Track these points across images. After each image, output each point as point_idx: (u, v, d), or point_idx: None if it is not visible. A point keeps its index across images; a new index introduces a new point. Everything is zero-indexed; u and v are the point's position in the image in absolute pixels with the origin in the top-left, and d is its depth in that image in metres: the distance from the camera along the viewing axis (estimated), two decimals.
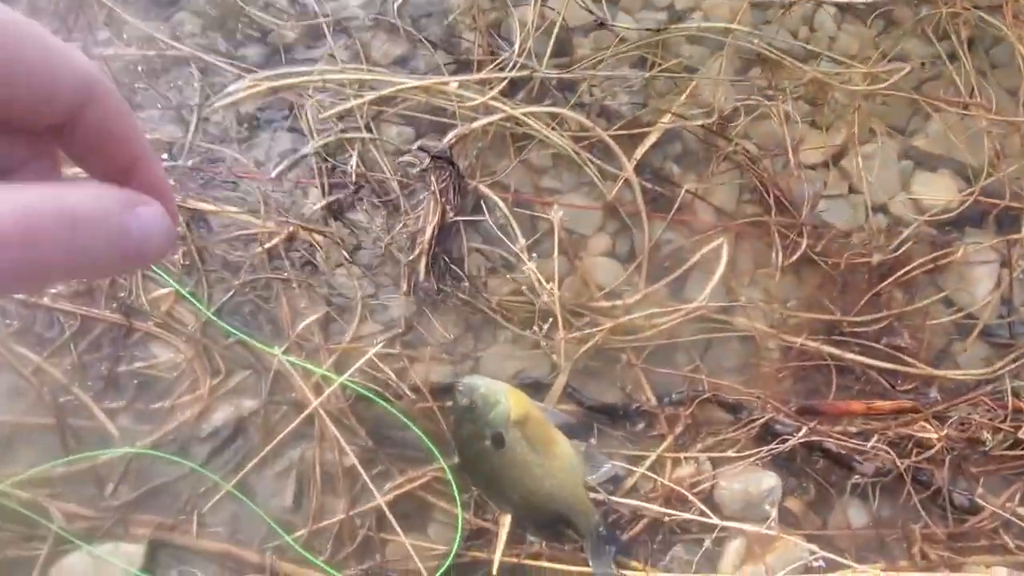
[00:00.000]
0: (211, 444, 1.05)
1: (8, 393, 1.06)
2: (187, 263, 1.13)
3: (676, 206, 1.26)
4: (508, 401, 1.01)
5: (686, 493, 1.07)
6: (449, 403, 1.08)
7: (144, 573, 0.97)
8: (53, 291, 1.10)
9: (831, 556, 1.01)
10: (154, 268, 1.12)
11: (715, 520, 1.00)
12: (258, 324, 1.13)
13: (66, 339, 1.08)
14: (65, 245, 0.19)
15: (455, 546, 1.02)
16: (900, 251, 1.27)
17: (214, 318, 1.10)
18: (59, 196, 0.19)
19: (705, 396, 1.13)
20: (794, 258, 1.25)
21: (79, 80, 0.22)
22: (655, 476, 1.10)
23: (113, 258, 0.20)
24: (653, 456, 1.11)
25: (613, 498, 1.06)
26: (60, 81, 0.21)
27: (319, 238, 1.17)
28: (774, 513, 0.95)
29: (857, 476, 1.13)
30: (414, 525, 1.05)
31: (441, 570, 1.00)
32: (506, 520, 1.04)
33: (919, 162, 1.37)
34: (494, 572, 1.00)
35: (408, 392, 1.08)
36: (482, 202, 1.23)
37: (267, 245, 1.15)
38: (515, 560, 1.02)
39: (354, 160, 1.22)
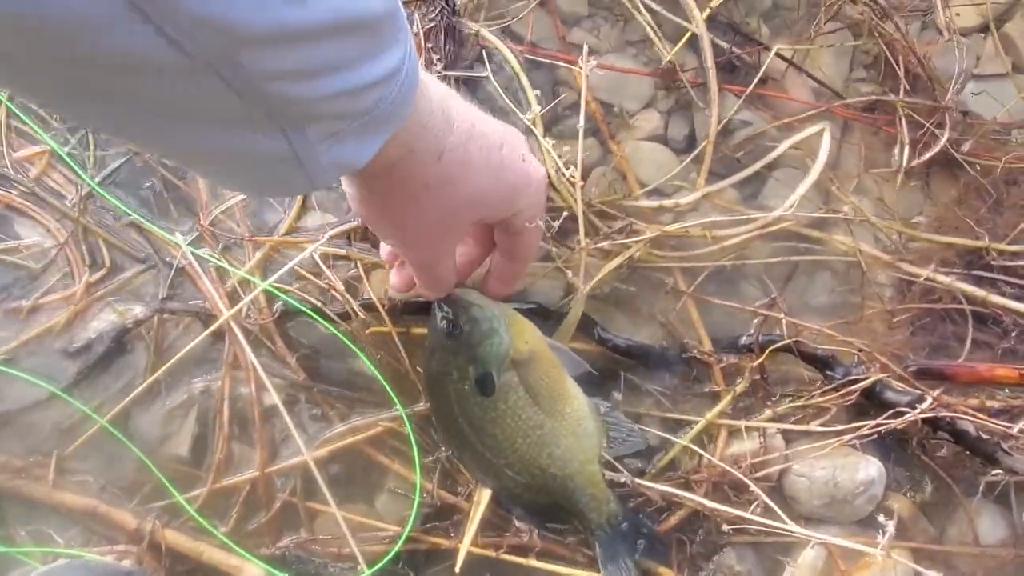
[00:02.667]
0: (83, 361, 0.76)
1: None
2: None
3: (760, 74, 0.88)
4: (507, 332, 0.68)
5: (744, 479, 0.73)
6: (417, 329, 0.76)
7: None
8: None
9: None
10: (22, 116, 0.81)
11: (792, 528, 0.67)
12: (163, 204, 0.82)
13: None
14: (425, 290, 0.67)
15: (409, 526, 0.72)
16: None
17: (99, 189, 0.79)
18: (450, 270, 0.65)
19: (783, 343, 0.78)
20: (926, 157, 0.87)
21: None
22: (701, 451, 0.77)
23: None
24: (702, 423, 0.78)
25: (639, 481, 0.74)
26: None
27: None
28: (890, 527, 0.61)
29: (997, 472, 0.78)
30: (356, 493, 0.75)
31: (386, 559, 0.70)
32: (483, 497, 0.73)
33: None
34: (457, 567, 0.69)
35: (358, 311, 0.76)
36: (484, 54, 0.88)
37: None
38: (492, 554, 0.72)
39: None
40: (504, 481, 0.72)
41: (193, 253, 0.77)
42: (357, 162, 0.41)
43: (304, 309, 0.76)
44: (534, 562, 0.72)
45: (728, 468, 0.74)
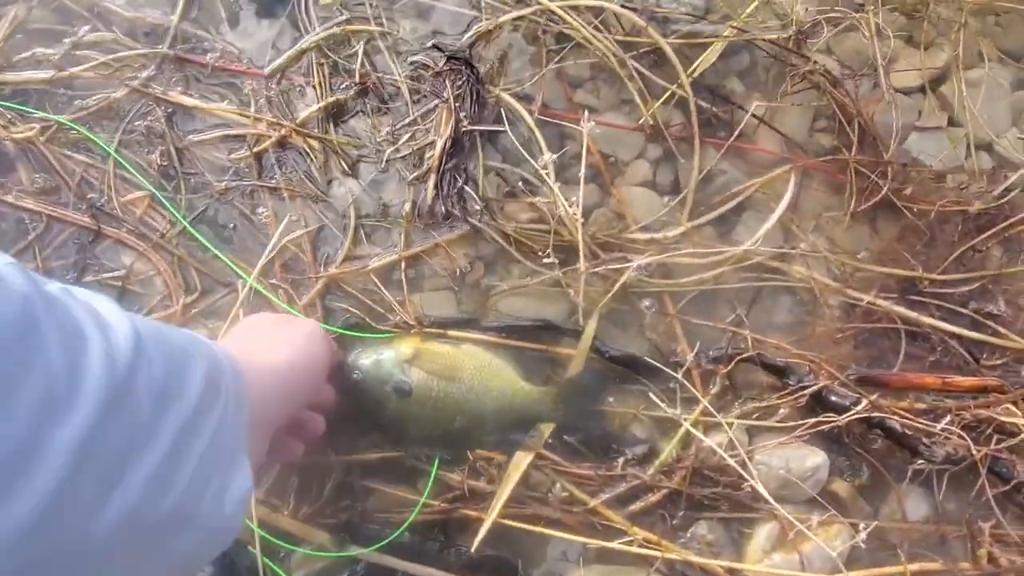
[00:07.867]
0: None
1: None
2: (165, 163, 1.00)
3: (738, 130, 1.06)
4: (392, 347, 0.88)
5: (726, 457, 0.91)
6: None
7: None
8: (18, 188, 0.99)
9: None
10: (129, 167, 0.99)
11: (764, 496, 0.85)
12: (240, 238, 1.00)
13: (30, 241, 0.97)
14: None
15: (424, 495, 0.90)
16: (1004, 199, 1.05)
17: (190, 227, 0.97)
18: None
19: (747, 355, 0.96)
20: (871, 202, 1.05)
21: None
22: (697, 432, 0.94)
23: None
24: (687, 423, 0.95)
25: (633, 471, 0.92)
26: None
27: (315, 145, 1.02)
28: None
29: (921, 461, 0.96)
30: (401, 476, 0.93)
31: (407, 522, 0.88)
32: (513, 476, 0.90)
33: None
34: (482, 532, 0.87)
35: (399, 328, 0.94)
36: (503, 114, 1.06)
37: (255, 149, 1.01)
38: (512, 524, 0.90)
39: (359, 57, 1.05)
40: (464, 441, 0.91)
41: (255, 287, 0.95)
42: (245, 486, 0.50)
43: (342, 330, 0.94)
44: (547, 531, 0.90)
45: (714, 449, 0.92)
